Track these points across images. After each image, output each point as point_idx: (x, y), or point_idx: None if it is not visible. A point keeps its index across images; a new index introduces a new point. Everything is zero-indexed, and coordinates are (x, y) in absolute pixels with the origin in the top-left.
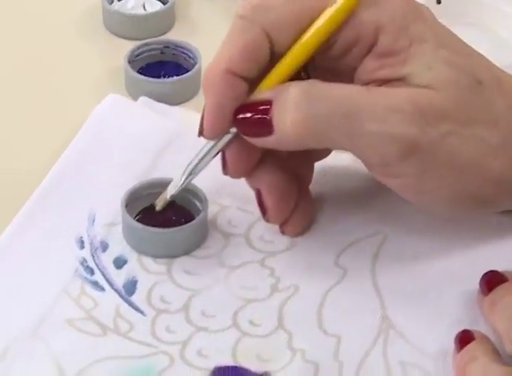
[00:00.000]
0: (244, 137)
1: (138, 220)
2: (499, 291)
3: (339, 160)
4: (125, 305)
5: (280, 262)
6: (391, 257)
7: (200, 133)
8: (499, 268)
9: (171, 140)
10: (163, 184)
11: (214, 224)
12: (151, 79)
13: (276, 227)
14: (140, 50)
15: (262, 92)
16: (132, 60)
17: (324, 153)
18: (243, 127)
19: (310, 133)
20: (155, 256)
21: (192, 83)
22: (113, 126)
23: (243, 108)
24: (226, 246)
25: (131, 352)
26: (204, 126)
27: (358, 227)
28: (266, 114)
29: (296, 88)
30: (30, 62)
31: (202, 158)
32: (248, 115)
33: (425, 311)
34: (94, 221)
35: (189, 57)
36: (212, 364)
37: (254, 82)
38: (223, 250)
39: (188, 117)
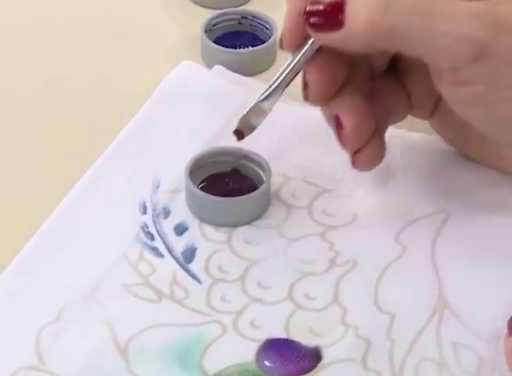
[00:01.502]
0: (312, 33)
1: (201, 188)
2: None
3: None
4: (182, 272)
5: (340, 237)
6: (452, 236)
7: (280, 45)
8: None
9: (241, 109)
10: (229, 152)
11: (277, 195)
12: (226, 49)
13: (339, 201)
14: (218, 19)
15: None
16: (209, 29)
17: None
18: (312, 16)
19: (384, 31)
20: (216, 224)
21: (267, 54)
22: (185, 92)
23: (316, 2)
24: (288, 217)
25: (184, 320)
26: (283, 35)
27: (421, 204)
28: (339, 6)
29: None
30: (109, 25)
31: (283, 73)
32: (320, 6)
33: (482, 293)
34: (158, 186)
35: (266, 29)
36: (264, 336)
37: None
38: (284, 221)
39: (260, 88)
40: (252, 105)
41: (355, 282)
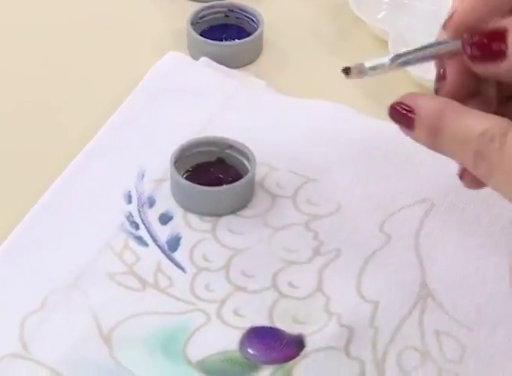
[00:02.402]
0: (469, 63)
1: (186, 177)
2: None
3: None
4: (167, 261)
5: (325, 226)
6: (436, 225)
7: (444, 26)
8: None
9: (228, 100)
10: (214, 142)
11: (262, 185)
12: (211, 41)
13: (324, 191)
14: (204, 12)
15: (500, 20)
16: (196, 22)
17: None
18: (471, 47)
19: None
20: (201, 214)
21: (252, 47)
22: (171, 83)
23: (474, 32)
24: (272, 207)
25: (168, 308)
26: (452, 17)
27: (405, 194)
28: (501, 40)
29: None
30: (97, 17)
31: (419, 50)
32: (479, 39)
33: (465, 282)
34: (143, 176)
35: (253, 22)
36: (248, 324)
37: None
38: (269, 211)
39: (245, 80)
40: (379, 60)
41: (338, 271)
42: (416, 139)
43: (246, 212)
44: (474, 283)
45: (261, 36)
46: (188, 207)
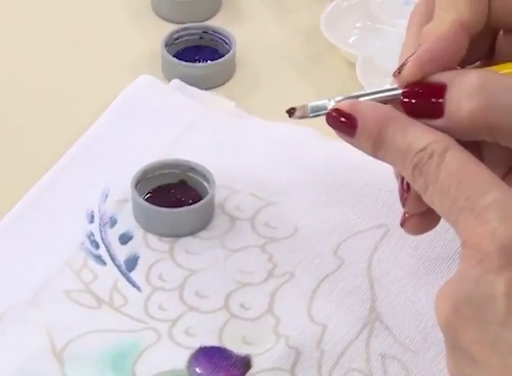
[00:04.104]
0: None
1: (148, 198)
2: None
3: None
4: (123, 279)
5: (280, 249)
6: (389, 250)
7: (398, 73)
8: None
9: (195, 122)
10: (176, 165)
11: (222, 207)
12: (184, 62)
13: (282, 214)
14: (179, 34)
15: (436, 76)
16: (171, 43)
17: None
18: (410, 103)
19: (487, 123)
20: (160, 234)
21: (224, 69)
22: (141, 105)
23: (414, 86)
24: (231, 229)
25: (121, 327)
26: (406, 66)
27: (362, 219)
28: (438, 97)
29: (475, 74)
30: (73, 37)
31: (367, 95)
32: (419, 93)
33: (413, 306)
34: (107, 197)
35: (226, 44)
36: (197, 344)
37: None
38: (227, 233)
39: (216, 101)
40: (323, 101)
41: (290, 293)
42: (356, 147)
43: (204, 234)
44: (422, 308)
45: (233, 58)
46: (148, 227)
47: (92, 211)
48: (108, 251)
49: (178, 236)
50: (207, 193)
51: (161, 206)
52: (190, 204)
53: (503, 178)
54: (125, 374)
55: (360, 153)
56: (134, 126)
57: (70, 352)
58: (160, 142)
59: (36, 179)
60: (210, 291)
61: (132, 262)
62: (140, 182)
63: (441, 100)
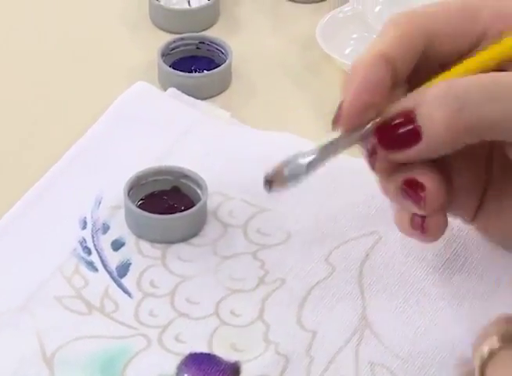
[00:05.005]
0: (387, 155)
1: (140, 205)
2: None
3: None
4: (115, 286)
5: (272, 256)
6: (381, 258)
7: (336, 122)
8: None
9: (190, 129)
10: (169, 171)
11: (215, 213)
12: (179, 72)
13: (275, 221)
14: (176, 44)
15: (398, 103)
16: (167, 53)
17: None
18: (386, 140)
19: (465, 124)
20: (152, 241)
21: (220, 79)
22: (136, 112)
23: (383, 123)
24: (223, 236)
25: (111, 333)
26: (343, 113)
27: (355, 226)
28: (411, 122)
29: (436, 86)
30: (70, 45)
31: (335, 143)
32: (390, 128)
33: (403, 314)
34: (100, 203)
35: (223, 54)
36: (187, 350)
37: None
38: (219, 239)
39: (211, 110)
40: (291, 156)
41: (280, 300)
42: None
43: (196, 240)
44: (412, 316)
45: (229, 68)
46: (140, 234)
47: (85, 217)
48: (100, 257)
49: (171, 242)
50: (200, 199)
51: (154, 212)
52: (183, 210)
53: (477, 209)
54: None
55: (353, 160)
56: (128, 132)
57: (60, 357)
58: (154, 149)
59: (30, 185)
60: (201, 298)
61: (124, 269)
62: (133, 188)
63: (414, 124)
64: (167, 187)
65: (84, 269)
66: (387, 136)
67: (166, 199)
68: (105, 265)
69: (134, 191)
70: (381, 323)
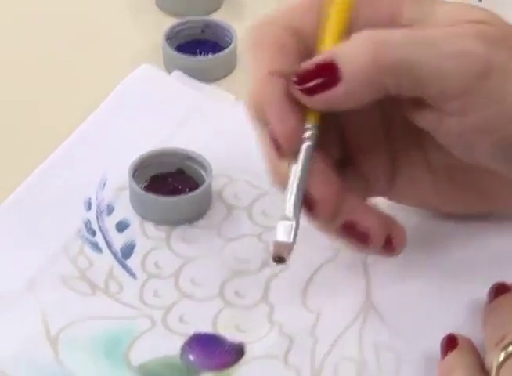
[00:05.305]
0: (309, 100)
1: (145, 187)
2: (500, 299)
3: None
4: (119, 267)
5: None
6: None
7: (279, 147)
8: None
9: (194, 112)
10: (174, 153)
11: (219, 195)
12: (184, 55)
13: (280, 203)
14: (181, 27)
15: (319, 54)
16: (172, 37)
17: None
18: (305, 82)
19: (387, 63)
20: (157, 222)
21: (225, 62)
22: (140, 94)
23: (305, 66)
24: (228, 218)
25: (115, 313)
26: (281, 140)
27: None
28: (331, 64)
29: (359, 33)
30: (75, 29)
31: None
32: (311, 68)
33: (407, 295)
34: (105, 184)
35: (227, 37)
36: (191, 331)
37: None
38: (224, 221)
39: (216, 93)
40: (277, 226)
41: (285, 281)
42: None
43: (201, 222)
44: (415, 296)
45: (234, 51)
46: (145, 215)
47: (90, 199)
48: (104, 238)
49: (175, 224)
50: (204, 181)
51: (159, 194)
52: (187, 192)
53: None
54: (118, 359)
55: None
56: (132, 114)
57: (65, 337)
58: (159, 131)
59: (35, 166)
60: (206, 279)
61: (128, 250)
62: (138, 170)
63: (334, 65)
64: (172, 169)
65: (88, 250)
66: (308, 80)
67: (171, 181)
68: (109, 247)
69: (138, 173)
70: (385, 304)
